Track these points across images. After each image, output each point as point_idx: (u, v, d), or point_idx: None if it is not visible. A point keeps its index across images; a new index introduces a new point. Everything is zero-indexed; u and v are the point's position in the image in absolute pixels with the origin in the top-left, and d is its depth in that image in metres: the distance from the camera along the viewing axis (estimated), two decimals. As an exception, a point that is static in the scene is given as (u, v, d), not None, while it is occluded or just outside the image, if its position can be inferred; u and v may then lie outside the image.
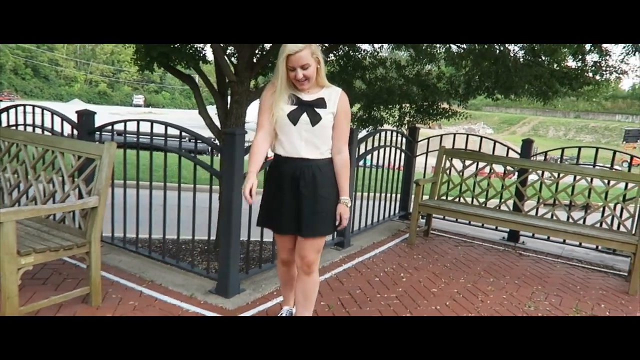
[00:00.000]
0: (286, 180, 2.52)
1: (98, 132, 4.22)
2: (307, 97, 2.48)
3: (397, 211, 6.15)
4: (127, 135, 3.95)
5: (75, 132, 4.27)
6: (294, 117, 2.45)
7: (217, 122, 5.76)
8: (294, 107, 2.46)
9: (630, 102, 76.36)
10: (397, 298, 3.73)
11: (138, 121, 3.89)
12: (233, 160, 3.31)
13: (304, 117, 2.45)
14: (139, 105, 72.35)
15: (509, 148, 5.70)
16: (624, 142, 42.61)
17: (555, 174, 5.11)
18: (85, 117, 4.19)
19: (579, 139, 64.70)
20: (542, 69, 5.67)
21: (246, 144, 3.35)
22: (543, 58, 6.38)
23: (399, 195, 6.11)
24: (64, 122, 4.28)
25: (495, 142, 6.04)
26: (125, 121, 4.00)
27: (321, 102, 2.48)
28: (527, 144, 5.55)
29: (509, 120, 72.19)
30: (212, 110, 5.38)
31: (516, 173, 5.47)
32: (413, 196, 5.36)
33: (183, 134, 3.70)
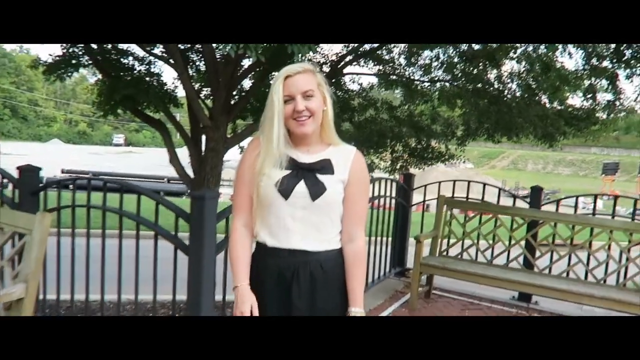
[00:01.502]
0: (270, 284, 1.74)
1: (46, 191, 3.54)
2: (306, 157, 1.74)
3: (392, 267, 5.51)
4: (80, 190, 3.28)
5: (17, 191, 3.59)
6: (285, 188, 1.69)
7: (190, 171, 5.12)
8: (287, 172, 1.70)
9: (606, 135, 77.94)
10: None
11: (89, 179, 3.25)
12: (202, 230, 2.67)
13: (301, 188, 1.69)
14: (119, 145, 71.45)
15: (515, 196, 5.15)
16: (603, 175, 43.02)
17: (571, 226, 4.56)
18: (28, 175, 3.50)
19: (558, 172, 65.54)
20: (546, 108, 5.20)
21: (224, 197, 2.72)
22: (543, 97, 5.95)
23: (388, 241, 5.47)
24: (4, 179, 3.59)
25: (500, 189, 5.49)
26: (75, 179, 3.35)
27: (326, 166, 1.74)
28: (536, 192, 5.01)
29: (488, 154, 72.93)
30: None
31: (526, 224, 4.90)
32: (413, 253, 4.74)
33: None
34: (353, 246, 1.78)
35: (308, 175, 1.72)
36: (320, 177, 1.72)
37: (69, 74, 4.56)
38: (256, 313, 1.69)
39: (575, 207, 4.96)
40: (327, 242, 1.76)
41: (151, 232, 2.94)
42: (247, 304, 1.68)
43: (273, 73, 5.59)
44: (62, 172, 24.19)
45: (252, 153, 1.77)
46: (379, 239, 5.04)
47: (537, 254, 4.79)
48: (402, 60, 6.65)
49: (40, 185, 3.52)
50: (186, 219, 2.76)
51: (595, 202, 5.03)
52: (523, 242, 4.80)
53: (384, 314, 4.40)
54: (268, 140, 1.69)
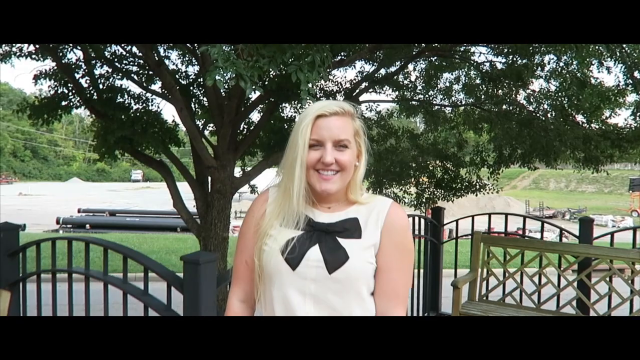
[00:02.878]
0: None
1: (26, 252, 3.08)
2: (325, 216, 1.32)
3: (425, 312, 4.91)
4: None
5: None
6: (293, 253, 1.26)
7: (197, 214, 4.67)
8: (298, 233, 1.29)
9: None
10: None
11: (69, 239, 2.78)
12: (197, 301, 2.17)
13: (314, 255, 1.26)
14: (137, 180, 72.08)
15: (562, 230, 4.55)
16: (631, 191, 41.71)
17: (634, 264, 3.94)
18: (5, 234, 3.05)
19: (582, 190, 63.95)
20: (588, 129, 4.65)
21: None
22: (579, 117, 5.40)
23: (419, 282, 4.86)
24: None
25: (542, 221, 4.89)
26: (54, 239, 2.89)
27: (352, 227, 1.30)
28: (586, 225, 4.40)
29: (508, 175, 71.69)
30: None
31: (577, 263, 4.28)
32: (451, 298, 4.16)
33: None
34: None
35: (325, 239, 1.28)
36: (343, 241, 1.28)
37: (58, 117, 4.19)
38: None
39: (612, 240, 4.36)
40: None
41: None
42: None
43: (283, 104, 5.18)
44: (79, 211, 24.03)
45: (259, 209, 1.37)
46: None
47: (594, 296, 4.16)
48: (421, 84, 6.19)
49: (21, 244, 3.05)
50: (179, 288, 2.26)
51: (613, 235, 4.41)
52: (575, 283, 4.19)
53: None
54: (285, 194, 1.31)
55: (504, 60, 5.88)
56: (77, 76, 4.13)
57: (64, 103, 4.13)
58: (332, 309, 1.25)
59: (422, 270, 4.77)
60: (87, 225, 20.20)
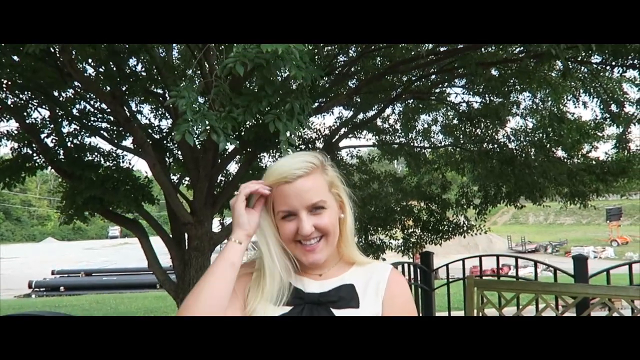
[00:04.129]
0: None
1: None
2: (315, 285, 1.15)
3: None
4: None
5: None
6: None
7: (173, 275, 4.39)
8: (286, 309, 1.12)
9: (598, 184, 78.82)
10: None
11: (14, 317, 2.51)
12: None
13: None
14: (115, 237, 70.46)
15: (555, 269, 4.40)
16: (608, 222, 42.40)
17: (633, 302, 3.78)
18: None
19: (560, 222, 64.80)
20: (573, 164, 4.61)
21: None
22: (559, 152, 5.39)
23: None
24: None
25: (535, 262, 4.74)
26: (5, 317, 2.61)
27: (347, 295, 1.13)
28: (580, 263, 4.26)
29: (489, 210, 72.49)
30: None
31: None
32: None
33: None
34: None
35: (318, 312, 1.11)
36: (338, 312, 1.10)
37: (21, 179, 3.95)
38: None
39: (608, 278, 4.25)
40: None
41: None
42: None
43: (261, 154, 5.03)
44: (53, 273, 23.09)
45: (243, 279, 1.15)
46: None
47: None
48: (399, 127, 6.16)
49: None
50: None
51: (609, 272, 4.30)
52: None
53: None
54: (265, 272, 1.13)
55: (479, 100, 5.90)
56: (43, 136, 3.93)
57: (28, 165, 3.91)
58: None
59: (415, 320, 4.55)
60: (62, 288, 19.41)
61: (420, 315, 4.60)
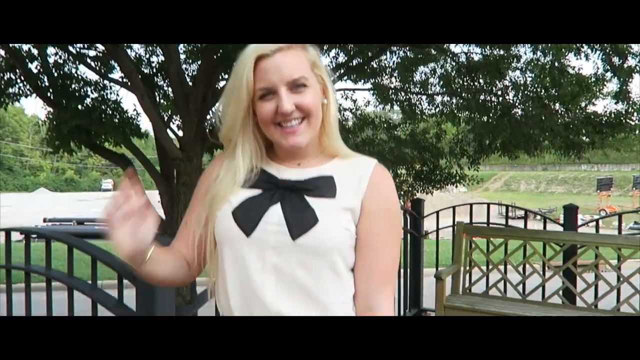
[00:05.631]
0: None
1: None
2: (291, 173, 1.05)
3: (407, 309, 4.69)
4: None
5: None
6: (247, 215, 0.99)
7: (161, 211, 4.34)
8: (255, 192, 1.02)
9: (594, 151, 79.29)
10: None
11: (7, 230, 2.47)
12: (152, 292, 1.89)
13: (273, 217, 0.99)
14: (108, 190, 70.44)
15: (545, 218, 4.40)
16: (599, 191, 42.77)
17: (621, 250, 3.81)
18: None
19: (551, 191, 65.29)
20: (570, 116, 4.54)
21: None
22: (557, 106, 5.30)
23: (399, 286, 4.63)
24: None
25: (526, 211, 4.74)
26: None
27: (323, 185, 1.03)
28: (570, 212, 4.26)
29: (481, 176, 72.95)
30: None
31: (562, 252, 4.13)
32: (432, 295, 3.94)
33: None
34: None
35: (290, 198, 1.01)
36: (312, 200, 1.00)
37: (4, 105, 3.83)
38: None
39: (597, 227, 4.28)
40: (332, 309, 1.01)
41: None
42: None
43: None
44: (44, 221, 23.09)
45: (211, 174, 1.08)
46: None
47: (580, 285, 4.01)
48: (397, 75, 6.02)
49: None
50: (131, 280, 1.97)
51: (597, 222, 4.33)
52: (561, 272, 4.03)
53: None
54: (236, 156, 1.04)
55: (480, 51, 5.76)
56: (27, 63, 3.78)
57: (11, 90, 3.78)
58: (300, 288, 0.98)
59: (402, 265, 4.56)
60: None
61: (409, 259, 4.61)
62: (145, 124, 4.34)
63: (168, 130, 4.17)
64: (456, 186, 5.46)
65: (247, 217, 0.99)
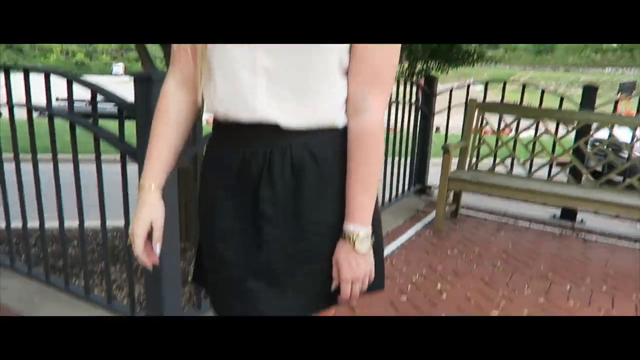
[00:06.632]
0: (224, 185, 1.03)
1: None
2: None
3: (412, 184, 4.75)
4: None
5: None
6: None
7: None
8: None
9: (620, 54, 75.88)
10: (443, 335, 2.36)
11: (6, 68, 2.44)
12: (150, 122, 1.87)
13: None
14: (119, 74, 69.68)
15: (562, 98, 4.26)
16: (620, 93, 41.47)
17: (636, 130, 3.72)
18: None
19: (570, 94, 63.40)
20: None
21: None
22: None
23: (406, 161, 4.65)
24: None
25: (543, 90, 4.59)
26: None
27: None
28: (589, 92, 4.11)
29: (499, 76, 70.76)
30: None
31: (574, 132, 4.04)
32: (440, 165, 3.95)
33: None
34: (358, 121, 0.98)
35: None
36: None
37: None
38: (157, 236, 1.06)
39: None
40: (322, 114, 0.99)
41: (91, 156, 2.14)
42: (141, 223, 1.05)
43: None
44: (57, 100, 23.15)
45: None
46: (396, 152, 4.26)
47: (590, 164, 4.00)
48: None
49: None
50: (131, 113, 1.95)
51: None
52: (571, 151, 3.98)
53: (407, 235, 3.68)
54: None
55: None
56: None
57: None
58: (292, 91, 0.94)
59: (409, 142, 4.54)
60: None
61: (417, 136, 4.57)
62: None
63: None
64: (473, 65, 5.25)
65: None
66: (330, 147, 0.99)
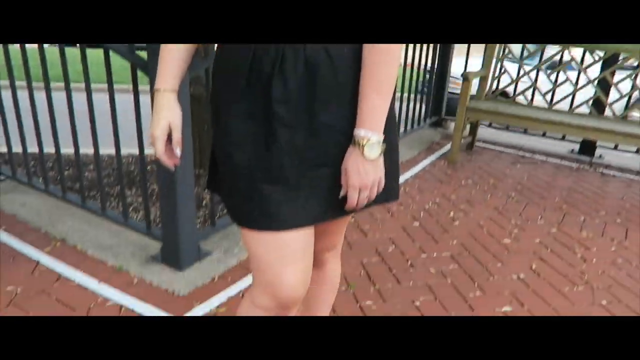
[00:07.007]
0: (236, 84, 0.97)
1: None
2: None
3: (427, 116, 4.65)
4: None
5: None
6: None
7: None
8: None
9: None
10: (454, 259, 2.37)
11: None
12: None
13: None
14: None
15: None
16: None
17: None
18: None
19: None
20: None
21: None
22: None
23: (422, 93, 4.53)
24: None
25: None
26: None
27: None
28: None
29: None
30: None
31: (601, 62, 3.87)
32: (459, 96, 3.83)
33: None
34: None
35: None
36: None
37: None
38: (177, 137, 1.06)
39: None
40: None
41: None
42: (160, 125, 1.05)
43: None
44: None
45: None
46: (412, 87, 4.14)
47: (615, 96, 3.85)
48: None
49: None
50: (145, 73, 1.87)
51: None
52: (596, 82, 3.83)
53: (421, 165, 3.65)
54: None
55: None
56: None
57: None
58: None
59: (427, 73, 4.40)
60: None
61: (435, 66, 4.41)
62: None
63: None
64: None
65: None
66: (349, 46, 0.94)
